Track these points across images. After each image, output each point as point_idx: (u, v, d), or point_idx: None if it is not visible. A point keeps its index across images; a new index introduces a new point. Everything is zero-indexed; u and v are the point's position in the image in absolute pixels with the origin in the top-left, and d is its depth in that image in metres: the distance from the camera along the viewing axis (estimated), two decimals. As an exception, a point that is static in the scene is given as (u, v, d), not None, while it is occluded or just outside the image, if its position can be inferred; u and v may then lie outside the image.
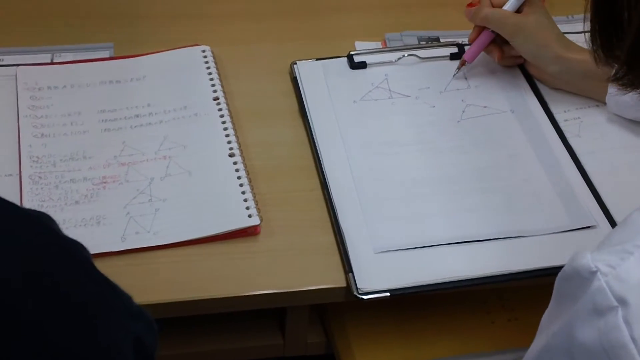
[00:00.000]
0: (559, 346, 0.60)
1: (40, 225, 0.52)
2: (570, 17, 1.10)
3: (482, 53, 1.02)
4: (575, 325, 0.58)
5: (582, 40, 0.68)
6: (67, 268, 0.51)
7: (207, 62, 1.02)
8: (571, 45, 0.98)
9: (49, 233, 0.52)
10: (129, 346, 0.51)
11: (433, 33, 1.09)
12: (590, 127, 0.97)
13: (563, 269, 0.61)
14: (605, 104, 0.97)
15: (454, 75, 1.02)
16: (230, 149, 0.93)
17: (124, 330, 0.52)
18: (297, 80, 1.01)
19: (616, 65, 0.62)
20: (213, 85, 0.99)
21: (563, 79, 0.99)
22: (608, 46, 0.62)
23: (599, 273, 0.56)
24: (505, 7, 0.98)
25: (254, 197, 0.88)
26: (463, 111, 0.99)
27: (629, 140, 0.96)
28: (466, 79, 1.02)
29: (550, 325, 0.61)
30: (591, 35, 0.63)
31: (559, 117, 0.98)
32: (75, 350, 0.49)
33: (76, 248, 0.52)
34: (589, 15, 0.63)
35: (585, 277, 0.57)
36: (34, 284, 0.48)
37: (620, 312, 0.55)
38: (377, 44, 1.07)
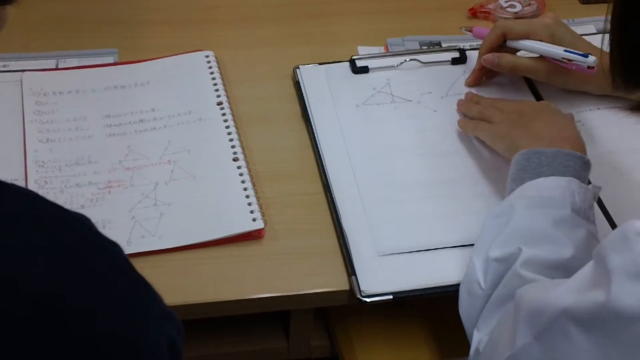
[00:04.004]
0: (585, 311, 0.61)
1: (81, 227, 0.53)
2: (570, 20, 1.10)
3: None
4: (613, 289, 0.58)
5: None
6: (107, 268, 0.52)
7: (210, 67, 1.03)
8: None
9: (90, 234, 0.53)
10: (165, 345, 0.53)
11: (434, 38, 1.09)
12: (590, 130, 0.98)
13: (604, 240, 0.62)
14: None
15: (463, 29, 1.04)
16: (234, 153, 0.93)
17: (160, 329, 0.53)
18: (299, 84, 1.01)
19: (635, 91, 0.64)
20: (217, 90, 1.00)
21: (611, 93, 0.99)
22: (628, 77, 0.64)
23: None
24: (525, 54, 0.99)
25: (258, 200, 0.89)
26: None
27: (628, 143, 0.97)
28: (468, 84, 1.03)
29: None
30: (611, 66, 0.65)
31: (559, 121, 0.99)
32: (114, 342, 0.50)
33: (115, 249, 0.53)
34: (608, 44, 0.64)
35: (630, 239, 0.59)
36: (74, 280, 0.49)
37: None
38: (379, 49, 1.08)
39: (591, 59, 0.93)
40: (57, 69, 1.03)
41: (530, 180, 0.81)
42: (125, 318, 0.51)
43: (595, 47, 0.96)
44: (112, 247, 0.53)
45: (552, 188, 0.79)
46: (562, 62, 0.95)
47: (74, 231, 0.52)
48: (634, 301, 0.57)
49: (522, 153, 0.83)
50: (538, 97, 1.01)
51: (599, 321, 0.60)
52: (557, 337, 0.64)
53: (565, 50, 0.95)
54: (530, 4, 1.15)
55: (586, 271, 0.64)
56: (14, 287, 0.47)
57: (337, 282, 0.84)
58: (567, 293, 0.64)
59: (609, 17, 0.63)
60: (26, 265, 0.48)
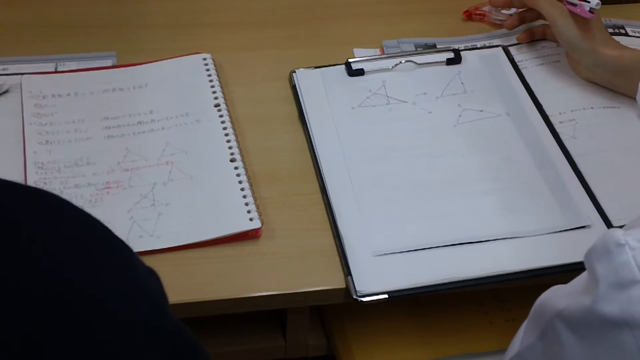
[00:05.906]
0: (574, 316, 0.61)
1: (54, 198, 0.54)
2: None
3: (481, 59, 1.04)
4: (597, 295, 0.59)
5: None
6: (93, 235, 0.54)
7: (208, 70, 1.04)
8: (609, 41, 1.00)
9: (65, 204, 0.54)
10: (157, 296, 0.55)
11: (430, 40, 1.10)
12: (585, 128, 0.99)
13: (590, 247, 0.62)
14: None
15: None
16: (232, 154, 0.94)
17: (150, 283, 0.54)
18: (296, 88, 1.02)
19: None
20: (214, 92, 1.01)
21: (596, 72, 1.01)
22: None
23: (627, 247, 0.57)
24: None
25: (255, 201, 0.90)
26: (459, 115, 1.00)
27: (623, 141, 0.98)
28: (462, 83, 1.04)
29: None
30: None
31: (554, 119, 0.99)
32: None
33: (87, 214, 0.54)
34: None
35: (611, 250, 0.58)
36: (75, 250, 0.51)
37: None
38: (375, 51, 1.09)
39: (594, 1, 0.96)
40: (56, 72, 1.03)
41: None
42: (122, 275, 0.52)
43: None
44: (84, 213, 0.54)
45: None
46: (571, 4, 0.98)
47: (59, 206, 0.53)
48: (616, 309, 0.58)
49: None
50: (532, 96, 1.02)
51: (587, 325, 0.61)
52: (553, 338, 0.64)
53: None
54: (524, 6, 1.15)
55: (582, 276, 0.64)
56: (36, 266, 0.48)
57: (333, 281, 0.85)
58: (563, 296, 0.64)
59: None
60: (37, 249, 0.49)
